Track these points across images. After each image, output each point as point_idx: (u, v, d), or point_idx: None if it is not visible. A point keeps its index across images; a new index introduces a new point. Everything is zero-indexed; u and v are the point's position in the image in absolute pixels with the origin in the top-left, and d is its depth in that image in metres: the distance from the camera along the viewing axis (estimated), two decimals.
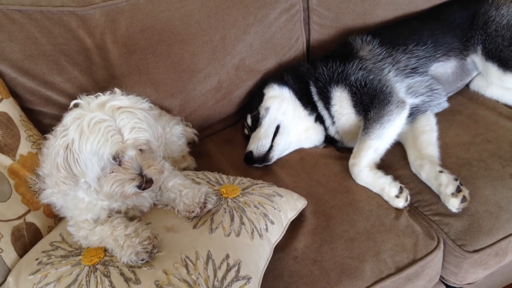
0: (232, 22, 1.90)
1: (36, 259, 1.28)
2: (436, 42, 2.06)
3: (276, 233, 1.46)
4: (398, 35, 2.09)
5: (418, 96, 1.98)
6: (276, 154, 1.89)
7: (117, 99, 1.24)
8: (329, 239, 1.54)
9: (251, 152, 1.87)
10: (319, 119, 2.00)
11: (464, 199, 1.61)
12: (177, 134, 1.76)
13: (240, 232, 1.35)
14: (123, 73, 1.78)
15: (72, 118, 1.21)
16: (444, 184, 1.65)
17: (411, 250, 1.55)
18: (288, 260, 1.49)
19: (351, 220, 1.60)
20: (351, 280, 1.46)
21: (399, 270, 1.51)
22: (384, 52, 2.01)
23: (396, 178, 1.75)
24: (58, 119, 1.28)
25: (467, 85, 2.23)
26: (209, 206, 1.39)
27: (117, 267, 1.22)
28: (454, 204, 1.62)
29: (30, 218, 1.43)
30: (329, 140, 2.06)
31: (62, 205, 1.40)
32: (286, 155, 1.96)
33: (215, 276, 1.22)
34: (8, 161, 1.46)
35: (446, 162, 1.80)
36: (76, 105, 1.26)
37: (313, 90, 1.99)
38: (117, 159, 1.21)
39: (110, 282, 1.18)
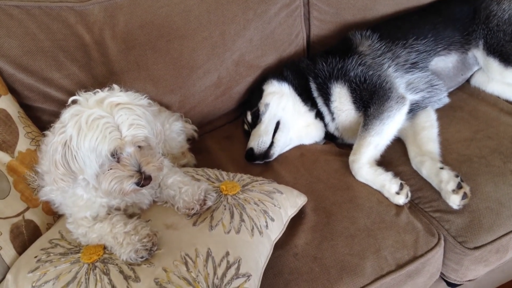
0: (231, 18, 1.88)
1: (35, 257, 1.28)
2: (436, 36, 2.04)
3: (276, 230, 1.45)
4: (397, 29, 2.07)
5: (418, 92, 1.97)
6: (277, 151, 1.89)
7: (116, 96, 1.23)
8: (330, 236, 1.54)
9: (252, 149, 1.86)
10: (319, 115, 1.99)
11: (465, 196, 1.60)
12: (176, 130, 1.75)
13: (240, 229, 1.35)
14: (122, 69, 1.77)
15: (70, 115, 1.20)
16: (445, 181, 1.64)
17: (412, 247, 1.55)
18: (288, 257, 1.48)
19: (352, 217, 1.59)
20: (351, 277, 1.45)
21: (400, 267, 1.50)
22: (384, 47, 1.99)
23: (396, 174, 1.75)
24: (57, 115, 1.27)
25: (468, 81, 2.22)
26: (209, 203, 1.38)
27: (117, 264, 1.22)
28: (455, 201, 1.61)
29: (29, 215, 1.42)
30: (329, 137, 2.05)
31: (61, 202, 1.39)
32: (286, 152, 1.95)
33: (215, 273, 1.21)
34: (7, 158, 1.45)
35: (447, 158, 1.80)
36: (74, 102, 1.25)
37: (313, 86, 1.98)
38: (115, 156, 1.20)
39: (110, 279, 1.18)
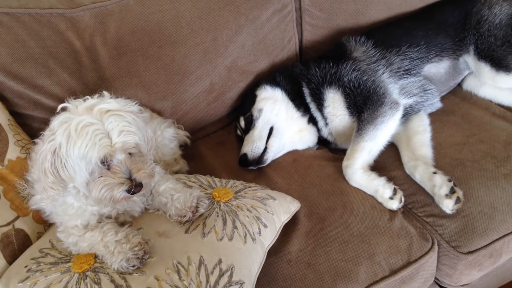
0: (223, 23, 1.88)
1: (25, 266, 1.26)
2: (429, 43, 2.05)
3: (269, 237, 1.44)
4: (391, 36, 2.07)
5: (411, 96, 1.97)
6: (270, 156, 1.88)
7: (106, 102, 1.22)
8: (323, 242, 1.53)
9: (245, 155, 1.85)
10: (312, 120, 1.99)
11: (458, 200, 1.60)
12: (168, 137, 1.74)
13: (233, 236, 1.34)
14: (113, 76, 1.75)
15: (59, 122, 1.19)
16: (438, 185, 1.64)
17: (406, 252, 1.54)
18: (281, 264, 1.47)
19: (345, 223, 1.59)
20: (345, 283, 1.44)
21: (394, 272, 1.50)
22: (378, 53, 2.00)
23: (390, 179, 1.74)
24: (47, 122, 1.25)
25: (460, 85, 2.22)
26: (201, 210, 1.37)
27: (108, 273, 1.20)
28: (448, 206, 1.61)
29: (19, 224, 1.41)
30: (322, 142, 2.05)
31: (52, 211, 1.37)
32: (279, 157, 1.94)
33: (207, 281, 1.20)
34: None
35: (440, 162, 1.80)
36: (64, 109, 1.24)
37: (306, 91, 1.98)
38: (105, 163, 1.19)
39: None
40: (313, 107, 1.97)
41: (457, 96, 2.18)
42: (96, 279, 1.19)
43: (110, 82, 1.75)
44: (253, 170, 1.88)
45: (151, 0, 1.75)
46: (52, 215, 1.38)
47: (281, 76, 2.02)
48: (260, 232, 1.40)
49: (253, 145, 1.86)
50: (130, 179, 1.21)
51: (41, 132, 1.25)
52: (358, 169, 1.74)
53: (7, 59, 1.60)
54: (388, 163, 1.88)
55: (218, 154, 1.99)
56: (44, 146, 1.19)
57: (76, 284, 1.18)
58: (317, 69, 1.97)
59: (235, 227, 1.36)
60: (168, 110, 1.91)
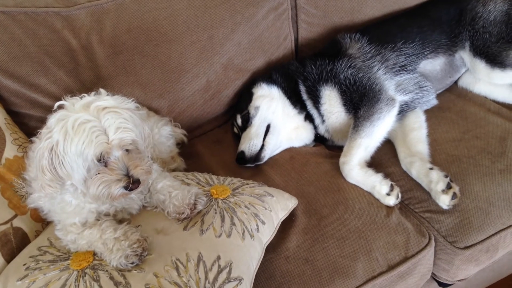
0: (219, 21, 1.88)
1: (24, 264, 1.26)
2: (424, 39, 2.06)
3: (267, 233, 1.45)
4: (386, 33, 2.09)
5: (407, 93, 1.98)
6: (267, 153, 1.89)
7: (102, 100, 1.23)
8: (321, 238, 1.54)
9: (243, 152, 1.85)
10: (309, 117, 1.99)
11: (454, 196, 1.61)
12: (165, 135, 1.74)
13: (231, 233, 1.34)
14: (109, 74, 1.75)
15: (56, 120, 1.19)
16: (435, 181, 1.65)
17: (403, 248, 1.55)
18: (279, 260, 1.48)
19: (342, 219, 1.59)
20: (343, 279, 1.45)
21: (391, 268, 1.50)
22: (373, 50, 2.01)
23: (386, 175, 1.75)
24: (44, 121, 1.26)
25: (456, 82, 2.23)
26: (199, 207, 1.37)
27: (107, 271, 1.20)
28: (444, 201, 1.62)
29: (17, 222, 1.40)
30: (319, 139, 2.05)
31: (49, 209, 1.37)
32: (277, 155, 1.95)
33: (206, 278, 1.20)
34: None
35: (436, 159, 1.80)
36: (60, 107, 1.24)
37: (302, 89, 1.98)
38: (102, 160, 1.19)
39: (100, 286, 1.16)
40: (309, 105, 1.98)
41: (452, 93, 2.19)
42: (95, 277, 1.19)
43: (107, 80, 1.75)
44: (250, 167, 1.88)
45: None
46: (50, 213, 1.38)
47: (277, 74, 2.03)
48: (258, 229, 1.41)
49: (250, 143, 1.86)
50: (128, 175, 1.21)
51: (38, 130, 1.26)
52: (355, 166, 1.75)
53: (3, 58, 1.60)
54: (384, 159, 1.89)
55: (215, 152, 1.99)
56: (41, 144, 1.20)
57: (75, 282, 1.18)
58: (313, 66, 1.97)
59: (233, 224, 1.37)
60: (165, 109, 1.91)
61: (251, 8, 1.94)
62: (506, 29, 2.05)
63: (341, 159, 1.79)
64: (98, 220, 1.32)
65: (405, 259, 1.53)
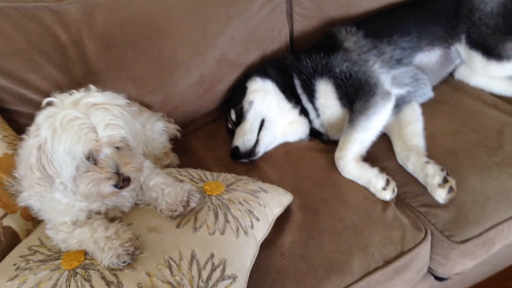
0: (213, 15, 1.85)
1: (14, 264, 1.24)
2: (420, 32, 2.04)
3: (261, 230, 1.43)
4: (382, 25, 2.06)
5: (403, 86, 1.96)
6: (262, 148, 1.86)
7: (92, 96, 1.20)
8: (316, 234, 1.52)
9: (237, 148, 1.83)
10: (304, 112, 1.97)
11: (451, 190, 1.60)
12: (158, 130, 1.71)
13: (225, 230, 1.32)
14: (101, 69, 1.73)
15: (44, 117, 1.17)
16: (431, 175, 1.63)
17: (399, 243, 1.54)
18: (275, 257, 1.46)
19: (338, 214, 1.58)
20: (339, 274, 1.43)
21: (387, 263, 1.49)
22: (369, 43, 1.98)
23: (382, 170, 1.74)
24: (34, 118, 1.22)
25: (452, 74, 2.21)
26: (193, 204, 1.35)
27: (98, 270, 1.18)
28: (441, 195, 1.60)
29: (7, 221, 1.38)
30: (314, 133, 2.03)
31: (40, 208, 1.34)
32: (271, 149, 1.92)
33: (199, 276, 1.18)
34: None
35: (432, 152, 1.79)
36: (50, 104, 1.21)
37: (297, 82, 1.96)
38: (91, 158, 1.16)
39: (91, 286, 1.14)
40: (304, 99, 1.95)
41: (449, 86, 2.17)
42: (86, 276, 1.17)
43: (98, 75, 1.73)
44: (244, 163, 1.86)
45: None
46: (41, 212, 1.36)
47: (271, 68, 2.00)
48: (252, 226, 1.39)
49: (244, 138, 1.84)
50: (118, 173, 1.18)
51: (27, 128, 1.23)
52: (350, 160, 1.73)
53: None
54: (380, 153, 1.86)
55: (209, 148, 1.97)
56: (29, 142, 1.17)
57: (66, 282, 1.16)
58: (308, 60, 1.95)
59: (227, 220, 1.35)
60: (158, 104, 1.88)
61: (245, 1, 1.92)
62: (503, 21, 2.03)
63: (336, 154, 1.78)
64: (90, 218, 1.30)
65: (402, 254, 1.52)
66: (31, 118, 1.37)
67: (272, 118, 1.92)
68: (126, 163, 1.20)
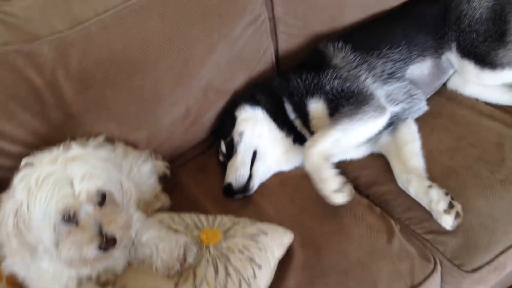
0: (195, 43, 1.75)
1: None
2: (410, 43, 1.96)
3: (264, 278, 1.35)
4: (370, 38, 1.98)
5: (397, 103, 1.88)
6: (256, 183, 1.77)
7: (72, 150, 1.12)
8: (321, 274, 1.44)
9: (230, 185, 1.73)
10: (299, 139, 1.87)
11: (457, 215, 1.53)
12: (146, 173, 1.61)
13: (227, 285, 1.24)
14: (80, 111, 1.61)
15: (20, 178, 1.08)
16: (435, 201, 1.56)
17: (408, 276, 1.46)
18: None
19: (343, 250, 1.50)
20: None
21: None
22: (358, 58, 1.90)
23: (381, 194, 1.70)
24: (14, 170, 1.14)
25: (444, 84, 2.14)
26: (190, 260, 1.26)
27: None
28: (448, 222, 1.53)
29: None
30: None
31: (26, 275, 1.24)
32: (266, 180, 1.83)
33: None
34: None
35: (432, 172, 1.71)
36: (28, 164, 1.12)
37: (288, 107, 1.87)
38: (70, 217, 1.06)
39: None
40: (298, 124, 1.86)
41: (442, 97, 2.10)
42: None
43: (77, 118, 1.61)
44: (238, 198, 1.77)
45: (115, 25, 1.60)
46: (27, 280, 1.25)
47: (260, 93, 1.90)
48: (254, 275, 1.31)
49: (237, 174, 1.74)
50: (101, 234, 1.08)
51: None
52: (316, 153, 1.63)
53: None
54: (378, 176, 1.79)
55: (200, 182, 1.86)
56: (5, 206, 1.07)
57: None
58: (296, 81, 1.86)
59: (228, 274, 1.27)
60: (143, 141, 1.78)
61: (228, 24, 1.82)
62: (493, 27, 1.97)
63: (307, 143, 1.68)
64: (81, 285, 1.20)
65: None
66: (10, 171, 1.27)
67: (264, 149, 1.83)
68: (111, 221, 1.10)
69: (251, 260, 1.33)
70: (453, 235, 1.55)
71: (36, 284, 1.21)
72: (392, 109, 1.86)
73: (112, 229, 1.09)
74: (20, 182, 1.07)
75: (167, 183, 1.79)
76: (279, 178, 1.84)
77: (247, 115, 1.86)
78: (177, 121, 1.83)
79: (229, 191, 1.73)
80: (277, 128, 1.87)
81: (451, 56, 2.03)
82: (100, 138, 1.63)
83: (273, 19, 2.02)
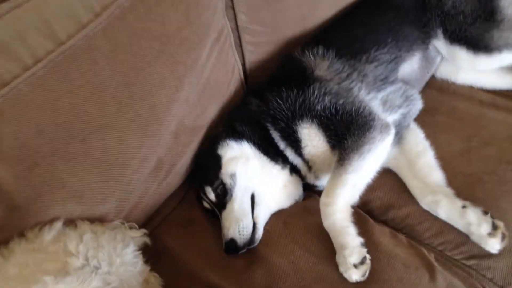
0: (159, 82, 1.40)
1: None
2: (396, 38, 1.73)
3: None
4: (353, 40, 1.72)
5: (396, 109, 1.65)
6: (261, 231, 1.48)
7: None
8: None
9: (233, 240, 1.42)
10: (294, 169, 1.60)
11: (503, 236, 1.33)
12: (130, 260, 1.24)
13: None
14: (27, 199, 1.22)
15: None
16: (475, 224, 1.35)
17: None
18: None
19: None
20: None
21: None
22: (346, 66, 1.63)
23: (403, 218, 1.49)
24: None
25: (433, 75, 1.93)
26: None
27: None
28: (494, 246, 1.34)
29: None
30: (307, 187, 1.66)
31: None
32: (266, 225, 1.53)
33: None
34: None
35: (453, 184, 1.51)
36: None
37: (275, 135, 1.57)
38: None
39: None
40: (290, 154, 1.58)
41: (432, 88, 1.89)
42: None
43: (25, 208, 1.22)
44: (242, 253, 1.46)
45: (55, 79, 1.21)
46: None
47: (241, 124, 1.58)
48: None
49: (239, 225, 1.42)
50: None
51: None
52: (338, 211, 1.40)
53: None
54: (395, 198, 1.56)
55: (187, 242, 1.52)
56: None
57: None
58: (276, 101, 1.57)
59: None
60: (112, 211, 1.42)
61: (193, 52, 1.48)
62: (480, 5, 1.76)
63: (323, 199, 1.44)
64: None
65: None
66: None
67: (262, 190, 1.53)
68: None
69: None
70: (498, 257, 1.36)
71: None
72: (392, 118, 1.63)
73: None
74: None
75: (149, 252, 1.43)
76: (280, 218, 1.55)
77: (233, 152, 1.54)
78: (149, 177, 1.48)
79: (232, 248, 1.42)
80: (271, 161, 1.57)
81: (438, 44, 1.82)
82: (58, 224, 1.27)
83: (236, 30, 1.73)
